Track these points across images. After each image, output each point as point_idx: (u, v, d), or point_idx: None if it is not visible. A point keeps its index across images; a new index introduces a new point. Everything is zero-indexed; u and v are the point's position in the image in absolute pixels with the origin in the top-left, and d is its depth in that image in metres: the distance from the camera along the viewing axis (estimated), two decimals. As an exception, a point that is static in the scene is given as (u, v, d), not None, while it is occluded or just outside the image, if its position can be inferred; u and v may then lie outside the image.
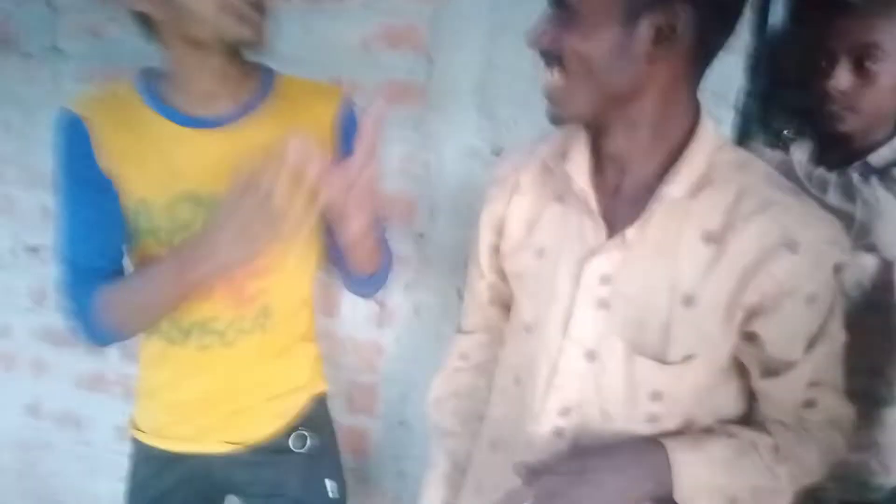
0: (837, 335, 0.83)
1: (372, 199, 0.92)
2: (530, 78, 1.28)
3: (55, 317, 1.68)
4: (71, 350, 1.80)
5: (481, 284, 1.05)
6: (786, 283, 0.76)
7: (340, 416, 1.36)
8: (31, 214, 1.76)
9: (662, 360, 0.80)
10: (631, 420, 0.83)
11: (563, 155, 0.89)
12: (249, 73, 1.05)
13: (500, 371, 1.00)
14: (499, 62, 1.32)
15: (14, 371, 1.90)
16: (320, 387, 1.25)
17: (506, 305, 1.03)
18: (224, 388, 1.15)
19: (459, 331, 1.11)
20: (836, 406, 0.86)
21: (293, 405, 1.20)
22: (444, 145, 1.38)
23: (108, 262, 1.06)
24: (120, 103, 1.03)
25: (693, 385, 0.82)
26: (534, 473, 0.82)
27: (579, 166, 0.85)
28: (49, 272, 1.77)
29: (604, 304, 0.83)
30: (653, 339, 0.81)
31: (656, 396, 0.82)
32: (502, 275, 1.00)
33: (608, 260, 0.82)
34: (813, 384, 0.83)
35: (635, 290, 0.81)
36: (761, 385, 0.84)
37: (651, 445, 0.80)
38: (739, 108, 1.22)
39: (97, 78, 1.60)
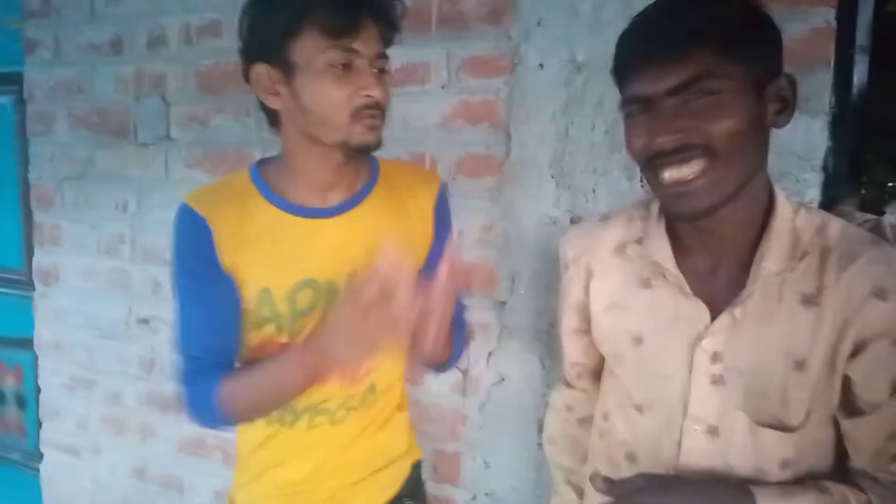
0: None
1: (446, 325, 0.93)
2: (605, 148, 1.31)
3: (162, 383, 1.81)
4: (175, 415, 1.91)
5: (567, 363, 1.09)
6: (878, 328, 0.77)
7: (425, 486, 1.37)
8: (143, 288, 1.91)
9: (785, 428, 0.82)
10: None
11: (638, 241, 0.92)
12: (361, 165, 1.10)
13: (607, 444, 0.99)
14: (573, 134, 1.34)
15: (124, 436, 2.02)
16: (417, 454, 1.27)
17: (596, 376, 1.06)
18: (332, 465, 1.17)
19: (563, 381, 1.13)
20: None
21: (397, 476, 1.22)
22: (524, 215, 1.41)
23: (225, 354, 1.09)
24: (236, 196, 1.07)
25: (812, 443, 0.83)
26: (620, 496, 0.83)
27: (663, 252, 0.88)
28: (158, 341, 1.91)
29: (719, 381, 0.84)
30: (772, 405, 0.82)
31: (785, 465, 0.83)
32: (588, 355, 1.04)
33: (717, 340, 0.84)
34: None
35: (748, 363, 0.83)
36: (847, 426, 0.83)
37: (740, 492, 0.80)
38: (828, 169, 1.19)
39: (204, 163, 1.75)
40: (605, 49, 1.27)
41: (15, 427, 2.42)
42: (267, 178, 1.09)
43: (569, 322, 1.04)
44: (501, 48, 1.39)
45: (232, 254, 1.05)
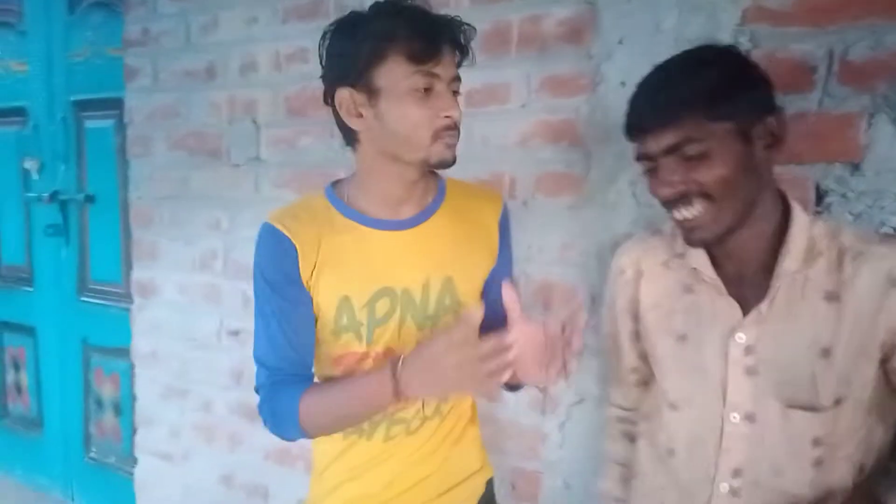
0: None
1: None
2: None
3: (250, 394, 1.87)
4: (262, 425, 1.97)
5: (626, 369, 1.16)
6: None
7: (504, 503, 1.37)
8: (233, 302, 2.00)
9: (815, 408, 0.93)
10: (799, 469, 0.95)
11: (680, 255, 1.06)
12: (430, 182, 1.16)
13: (647, 445, 1.13)
14: (656, 151, 1.33)
15: (213, 443, 2.11)
16: (489, 471, 1.28)
17: (646, 384, 1.16)
18: (407, 478, 1.19)
19: (615, 405, 1.23)
20: None
21: (472, 493, 1.23)
22: (603, 234, 1.40)
23: (303, 367, 1.14)
24: (315, 214, 1.14)
25: (848, 428, 0.93)
26: None
27: (702, 262, 1.01)
28: (247, 353, 1.97)
29: (752, 371, 0.97)
30: (802, 391, 0.93)
31: (817, 442, 0.93)
32: (644, 357, 1.13)
33: (749, 333, 0.97)
34: None
35: (777, 354, 0.95)
36: None
37: None
38: None
39: (292, 183, 1.82)
40: None
41: (111, 432, 2.57)
42: (342, 196, 1.16)
43: (625, 325, 1.15)
44: (582, 67, 1.40)
45: (313, 268, 1.11)
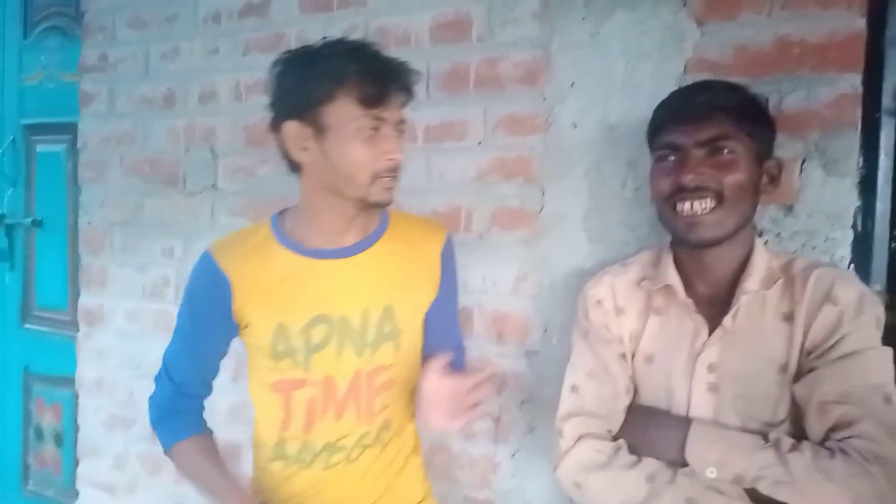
0: (877, 376, 0.94)
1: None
2: (635, 204, 1.35)
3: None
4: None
5: (621, 393, 1.13)
6: (830, 326, 0.97)
7: (456, 533, 1.38)
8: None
9: (770, 424, 0.99)
10: None
11: (652, 278, 1.13)
12: (372, 213, 1.19)
13: None
14: (605, 190, 1.39)
15: (160, 474, 2.05)
16: (432, 502, 1.31)
17: None
18: (346, 503, 1.21)
19: (602, 435, 1.11)
20: (879, 441, 0.90)
21: None
22: (556, 267, 1.45)
23: (201, 386, 1.25)
24: (256, 246, 1.18)
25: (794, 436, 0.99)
26: None
27: (673, 277, 1.09)
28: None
29: (714, 388, 1.03)
30: (759, 407, 1.01)
31: None
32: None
33: (712, 350, 1.04)
34: (841, 402, 0.93)
35: (738, 370, 1.02)
36: (794, 389, 0.99)
37: (682, 419, 1.04)
38: (857, 227, 1.22)
39: (248, 211, 1.83)
40: (637, 110, 1.35)
41: (52, 464, 2.47)
42: (284, 225, 1.20)
43: (613, 350, 1.15)
44: (536, 108, 1.46)
45: (248, 301, 1.16)
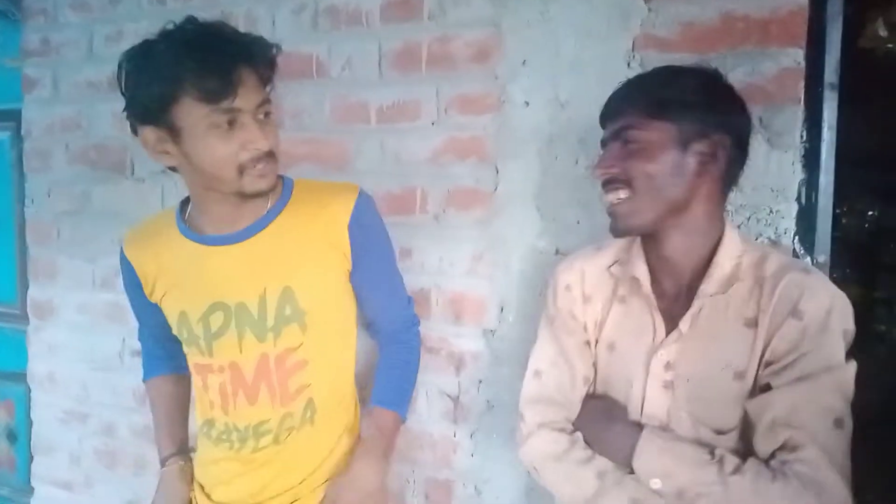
0: (830, 400, 0.91)
1: None
2: (587, 182, 1.36)
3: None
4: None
5: (579, 382, 1.12)
6: (792, 341, 0.93)
7: (417, 513, 1.39)
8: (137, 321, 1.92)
9: (719, 431, 0.97)
10: None
11: (623, 264, 1.10)
12: (266, 194, 1.13)
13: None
14: (557, 169, 1.40)
15: (117, 469, 2.02)
16: None
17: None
18: (276, 485, 1.21)
19: (559, 424, 1.11)
20: (820, 468, 0.89)
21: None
22: (511, 246, 1.46)
23: (167, 343, 1.33)
24: (158, 232, 1.21)
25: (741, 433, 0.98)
26: None
27: (641, 270, 1.06)
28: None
29: (669, 386, 1.01)
30: (711, 411, 0.98)
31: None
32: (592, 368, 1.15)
33: (669, 350, 1.02)
34: (789, 426, 0.91)
35: (694, 372, 1.00)
36: (747, 405, 0.96)
37: (634, 426, 1.02)
38: (801, 200, 1.24)
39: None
40: (587, 88, 1.35)
41: (5, 461, 2.40)
42: (184, 212, 1.20)
43: (575, 337, 1.13)
44: (489, 87, 1.45)
45: (154, 286, 1.21)
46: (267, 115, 1.08)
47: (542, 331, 1.18)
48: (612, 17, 1.32)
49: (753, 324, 0.96)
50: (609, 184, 1.00)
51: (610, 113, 1.04)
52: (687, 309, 1.00)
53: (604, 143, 1.05)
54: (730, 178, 1.02)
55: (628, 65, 1.32)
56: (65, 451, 2.12)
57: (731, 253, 1.00)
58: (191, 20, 1.04)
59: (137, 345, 1.90)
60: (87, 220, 1.99)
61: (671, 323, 1.02)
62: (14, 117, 2.15)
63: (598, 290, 1.12)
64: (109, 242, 1.93)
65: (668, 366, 1.01)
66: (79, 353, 2.05)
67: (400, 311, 1.34)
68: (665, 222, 1.00)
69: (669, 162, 0.97)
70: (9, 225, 2.24)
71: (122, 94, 1.06)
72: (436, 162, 1.52)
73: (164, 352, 1.40)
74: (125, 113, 1.07)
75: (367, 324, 1.36)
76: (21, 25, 2.10)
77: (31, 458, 2.22)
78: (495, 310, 1.49)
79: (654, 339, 1.03)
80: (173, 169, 1.13)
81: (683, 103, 0.97)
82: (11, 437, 2.37)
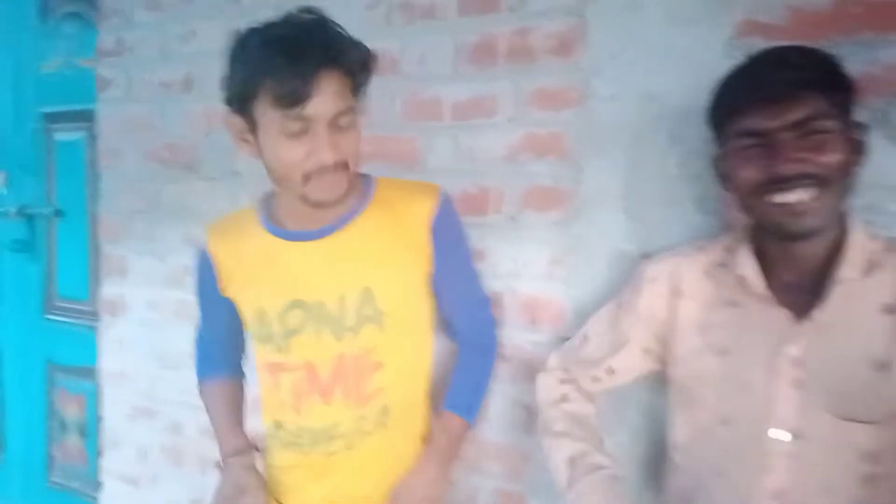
0: None
1: None
2: (678, 181, 1.27)
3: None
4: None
5: (602, 366, 1.17)
6: None
7: (489, 528, 1.32)
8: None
9: (870, 421, 0.89)
10: (846, 488, 0.90)
11: (725, 264, 1.03)
12: (355, 184, 1.12)
13: (691, 465, 1.06)
14: (645, 166, 1.31)
15: (183, 466, 2.03)
16: None
17: (604, 389, 1.21)
18: (347, 492, 1.18)
19: (567, 377, 1.23)
20: None
21: None
22: (593, 249, 1.37)
23: (228, 344, 1.36)
24: (240, 227, 1.19)
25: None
26: None
27: (749, 266, 0.99)
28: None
29: (800, 384, 0.94)
30: (853, 403, 0.90)
31: (869, 457, 0.90)
32: (628, 372, 1.16)
33: (799, 344, 0.94)
34: None
35: (828, 365, 0.92)
36: None
37: None
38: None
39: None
40: (681, 80, 1.26)
41: (76, 455, 2.45)
42: (268, 206, 1.19)
43: (636, 335, 1.12)
44: (571, 80, 1.38)
45: (232, 281, 1.19)
46: (348, 123, 1.03)
47: (609, 306, 1.19)
48: (711, 1, 1.23)
49: (893, 310, 0.90)
50: (796, 180, 0.89)
51: (779, 98, 0.89)
52: (813, 298, 0.93)
53: (758, 134, 0.92)
54: (860, 154, 0.95)
55: (728, 54, 1.22)
56: (132, 446, 2.14)
57: (859, 238, 0.94)
58: (293, 15, 1.02)
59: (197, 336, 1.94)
60: (159, 218, 2.00)
61: (798, 316, 0.95)
62: (89, 118, 2.19)
63: (697, 292, 1.04)
64: (179, 241, 1.94)
65: (797, 362, 0.94)
66: (148, 350, 2.06)
67: (477, 312, 1.30)
68: (834, 219, 0.94)
69: (848, 154, 0.90)
70: (83, 223, 2.29)
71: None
72: (512, 160, 1.45)
73: (222, 353, 1.39)
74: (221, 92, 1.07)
75: (445, 325, 1.31)
76: (96, 27, 2.13)
77: (100, 452, 2.25)
78: (574, 316, 1.41)
79: (778, 336, 0.96)
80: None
81: (850, 84, 0.91)
82: (82, 431, 2.41)
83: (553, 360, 1.24)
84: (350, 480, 1.18)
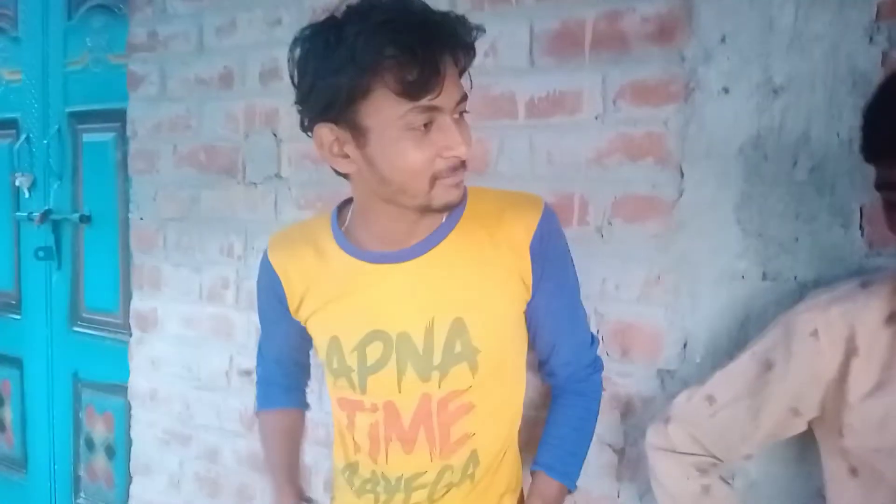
0: None
1: None
2: (811, 189, 1.08)
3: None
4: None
5: (749, 443, 0.99)
6: None
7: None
8: (246, 337, 1.77)
9: None
10: None
11: None
12: (454, 208, 0.97)
13: None
14: (767, 172, 1.12)
15: (219, 497, 1.88)
16: None
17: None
18: None
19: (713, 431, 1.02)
20: None
21: None
22: (700, 268, 1.18)
23: (291, 378, 1.26)
24: (311, 241, 1.05)
25: None
26: None
27: None
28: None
29: None
30: None
31: None
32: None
33: None
34: None
35: None
36: None
37: None
38: None
39: (317, 204, 1.61)
40: (811, 70, 1.07)
41: (103, 477, 2.33)
42: (343, 220, 1.04)
43: (792, 400, 0.92)
44: (672, 71, 1.19)
45: (302, 303, 1.05)
46: (462, 114, 0.92)
47: (747, 363, 0.97)
48: (851, -26, 1.04)
49: None
50: None
51: None
52: None
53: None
54: None
55: (871, 39, 1.03)
56: (164, 473, 2.00)
57: None
58: (374, 3, 0.86)
59: (245, 363, 1.80)
60: (195, 226, 1.85)
61: None
62: (118, 118, 2.06)
63: (873, 345, 0.85)
64: (217, 252, 1.79)
65: None
66: (182, 370, 1.92)
67: (579, 352, 1.12)
68: None
69: None
70: (113, 230, 2.16)
71: (294, 84, 0.91)
72: (600, 164, 1.27)
73: (286, 380, 1.26)
74: (296, 107, 0.92)
75: (539, 364, 1.14)
76: (127, 20, 1.99)
77: (130, 478, 2.12)
78: (675, 346, 1.22)
79: None
80: (345, 176, 0.96)
81: None
82: (110, 452, 2.29)
83: (675, 432, 1.03)
84: None
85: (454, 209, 0.96)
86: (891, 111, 0.78)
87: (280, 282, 1.07)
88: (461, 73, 0.90)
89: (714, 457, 1.02)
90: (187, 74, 1.85)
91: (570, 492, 1.11)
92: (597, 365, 1.14)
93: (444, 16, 0.87)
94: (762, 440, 0.99)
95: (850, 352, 0.86)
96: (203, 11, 1.81)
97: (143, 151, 1.96)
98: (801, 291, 1.06)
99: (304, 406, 1.29)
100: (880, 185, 0.79)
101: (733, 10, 1.14)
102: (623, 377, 1.27)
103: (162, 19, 1.90)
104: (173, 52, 1.88)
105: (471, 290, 0.99)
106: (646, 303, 1.24)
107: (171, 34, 1.88)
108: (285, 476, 1.19)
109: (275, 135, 1.68)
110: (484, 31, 0.91)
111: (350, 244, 1.01)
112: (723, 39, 1.15)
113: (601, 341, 1.26)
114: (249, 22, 1.72)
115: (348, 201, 1.06)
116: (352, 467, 1.08)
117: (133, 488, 2.10)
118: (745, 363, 0.98)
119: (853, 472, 0.89)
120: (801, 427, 0.96)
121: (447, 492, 1.03)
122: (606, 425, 1.28)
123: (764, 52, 1.11)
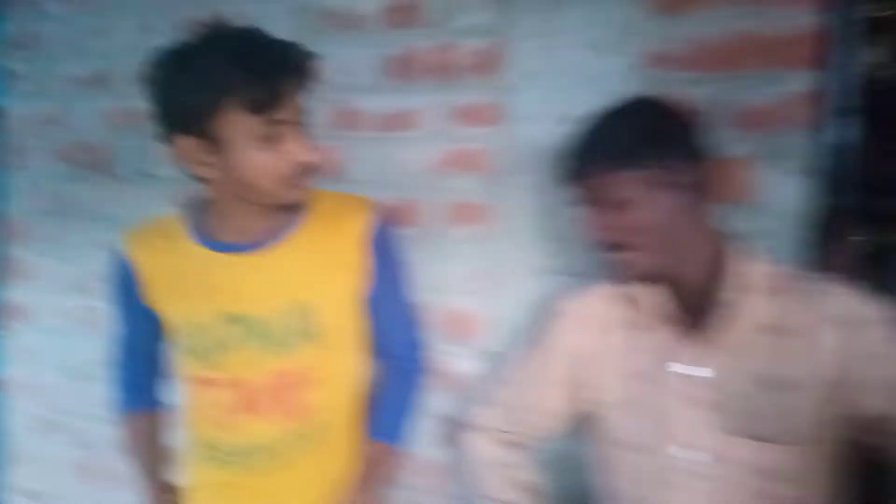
0: None
1: None
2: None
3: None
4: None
5: (533, 416, 1.17)
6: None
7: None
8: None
9: (755, 438, 0.93)
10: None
11: (634, 292, 1.06)
12: (300, 205, 1.11)
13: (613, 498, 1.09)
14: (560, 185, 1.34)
15: (91, 481, 1.94)
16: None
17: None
18: None
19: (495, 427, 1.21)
20: None
21: None
22: (511, 265, 1.40)
23: (146, 366, 1.29)
24: (164, 235, 1.14)
25: (796, 465, 0.93)
26: None
27: (654, 297, 1.03)
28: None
29: (695, 403, 0.97)
30: (744, 421, 0.94)
31: (760, 474, 0.94)
32: (559, 416, 1.15)
33: (690, 363, 0.98)
34: None
35: (720, 384, 0.96)
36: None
37: None
38: (807, 226, 1.21)
39: (181, 199, 1.70)
40: (591, 104, 1.28)
41: (-25, 469, 2.31)
42: (193, 215, 1.14)
43: (556, 371, 1.12)
44: (491, 98, 1.40)
45: (157, 291, 1.13)
46: (304, 125, 1.04)
47: (523, 348, 1.19)
48: (621, 31, 1.27)
49: (776, 331, 0.94)
50: (609, 247, 0.99)
51: (581, 175, 1.00)
52: (700, 320, 0.99)
53: (584, 200, 1.02)
54: (701, 188, 0.97)
55: (636, 81, 1.27)
56: (39, 461, 2.04)
57: (737, 261, 0.98)
58: (223, 24, 0.99)
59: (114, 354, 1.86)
60: (66, 220, 1.90)
61: (688, 337, 1.00)
62: (-4, 113, 2.06)
63: (613, 321, 1.08)
64: (88, 245, 1.86)
65: (690, 380, 0.98)
66: (55, 360, 1.97)
67: (406, 334, 1.27)
68: (677, 260, 0.98)
69: (663, 207, 0.94)
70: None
71: (153, 102, 1.00)
72: (435, 174, 1.46)
73: (144, 379, 1.31)
74: (156, 119, 1.01)
75: (373, 345, 1.28)
76: (3, 16, 2.01)
77: (6, 466, 2.13)
78: (492, 330, 1.43)
79: (670, 357, 1.01)
80: (203, 179, 1.05)
81: (648, 145, 0.95)
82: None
83: (481, 416, 1.22)
84: (284, 500, 1.15)
85: (301, 207, 1.09)
86: (574, 147, 1.02)
87: (134, 270, 1.14)
88: (302, 91, 1.02)
89: (520, 433, 1.18)
90: (63, 73, 1.89)
91: (397, 454, 1.24)
92: (422, 344, 1.30)
93: (285, 44, 0.99)
94: (556, 416, 1.15)
95: (583, 323, 1.09)
96: (79, 13, 1.86)
97: (18, 146, 1.99)
98: (583, 284, 1.29)
99: (161, 405, 1.33)
100: (578, 201, 1.02)
101: (536, 52, 1.35)
102: (454, 357, 1.47)
103: (39, 18, 1.93)
104: (50, 52, 1.91)
105: (315, 277, 1.11)
106: (470, 294, 1.45)
107: (49, 34, 1.92)
108: (155, 472, 1.29)
109: (145, 134, 1.77)
110: (320, 56, 1.04)
111: (204, 235, 1.11)
112: (530, 75, 1.36)
113: (432, 327, 1.45)
114: (123, 26, 1.79)
115: (194, 199, 1.16)
116: (206, 443, 1.16)
117: (7, 477, 2.12)
118: (524, 346, 1.19)
119: (592, 429, 1.12)
120: (569, 400, 1.14)
121: (299, 457, 1.14)
122: (439, 399, 1.47)
123: (559, 88, 1.33)
